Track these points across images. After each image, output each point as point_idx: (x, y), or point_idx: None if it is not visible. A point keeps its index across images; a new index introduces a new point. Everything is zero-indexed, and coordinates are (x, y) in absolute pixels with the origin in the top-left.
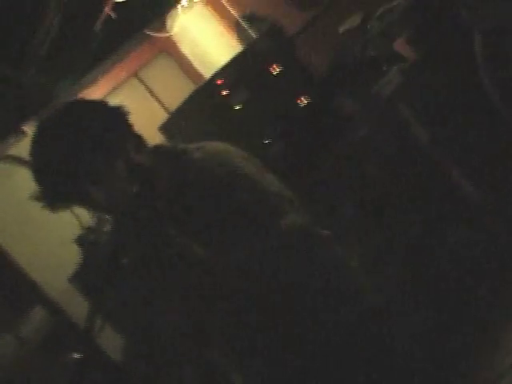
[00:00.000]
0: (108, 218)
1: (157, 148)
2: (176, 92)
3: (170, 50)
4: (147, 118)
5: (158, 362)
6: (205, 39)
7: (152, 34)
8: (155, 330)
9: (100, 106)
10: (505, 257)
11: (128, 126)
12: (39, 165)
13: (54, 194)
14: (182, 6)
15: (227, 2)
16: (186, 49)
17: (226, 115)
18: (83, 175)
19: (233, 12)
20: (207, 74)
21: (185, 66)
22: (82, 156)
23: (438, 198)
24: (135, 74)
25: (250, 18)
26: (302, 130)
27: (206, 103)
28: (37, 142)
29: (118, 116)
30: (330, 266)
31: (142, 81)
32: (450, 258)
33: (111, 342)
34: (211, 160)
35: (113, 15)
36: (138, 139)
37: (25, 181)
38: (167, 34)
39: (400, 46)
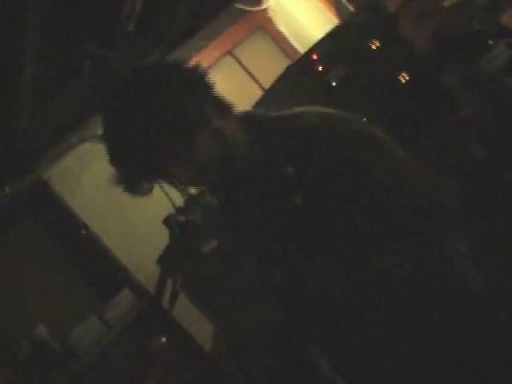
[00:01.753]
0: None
1: (246, 115)
2: (272, 69)
3: (265, 26)
4: (242, 96)
5: (244, 351)
6: (301, 14)
7: (246, 8)
8: (245, 319)
9: (174, 71)
10: None
11: (209, 88)
12: (115, 146)
13: (133, 179)
14: None
15: None
16: (281, 24)
17: (322, 91)
18: (164, 155)
19: None
20: (304, 50)
21: (280, 43)
22: (162, 133)
23: None
24: (230, 52)
25: None
26: (403, 107)
27: (302, 79)
28: (109, 119)
29: (197, 78)
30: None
31: (236, 58)
32: None
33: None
34: (335, 129)
35: None
36: (222, 104)
37: None
38: (262, 7)
39: (507, 19)
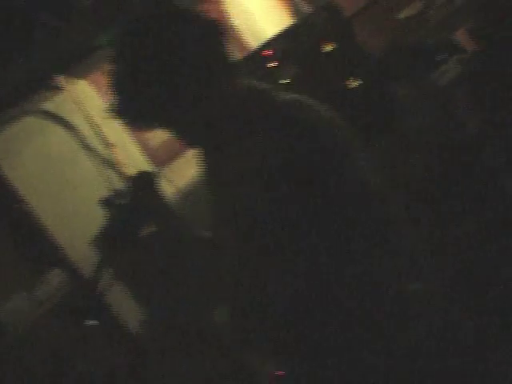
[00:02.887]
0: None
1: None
2: None
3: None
4: None
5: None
6: (255, 9)
7: None
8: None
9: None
10: None
11: (225, 44)
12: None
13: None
14: None
15: None
16: (234, 17)
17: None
18: (171, 99)
19: None
20: (255, 45)
21: (234, 38)
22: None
23: (489, 197)
24: None
25: None
26: (350, 112)
27: (252, 74)
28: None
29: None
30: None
31: None
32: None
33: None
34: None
35: None
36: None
37: (58, 138)
38: None
39: (461, 36)
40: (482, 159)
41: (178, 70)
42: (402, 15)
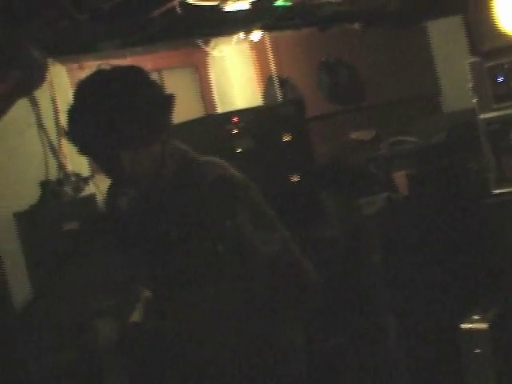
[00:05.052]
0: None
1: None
2: (187, 105)
3: (199, 66)
4: None
5: None
6: (234, 75)
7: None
8: None
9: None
10: None
11: (171, 114)
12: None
13: (84, 145)
14: (238, 38)
15: (273, 59)
16: (213, 72)
17: (226, 151)
18: (119, 139)
19: (272, 68)
20: (220, 105)
21: (203, 87)
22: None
23: None
24: (158, 70)
25: (283, 82)
26: (284, 204)
27: (214, 130)
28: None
29: (169, 101)
30: None
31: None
32: None
33: None
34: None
35: None
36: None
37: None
38: (207, 48)
39: (398, 177)
40: None
41: (121, 121)
42: (353, 136)
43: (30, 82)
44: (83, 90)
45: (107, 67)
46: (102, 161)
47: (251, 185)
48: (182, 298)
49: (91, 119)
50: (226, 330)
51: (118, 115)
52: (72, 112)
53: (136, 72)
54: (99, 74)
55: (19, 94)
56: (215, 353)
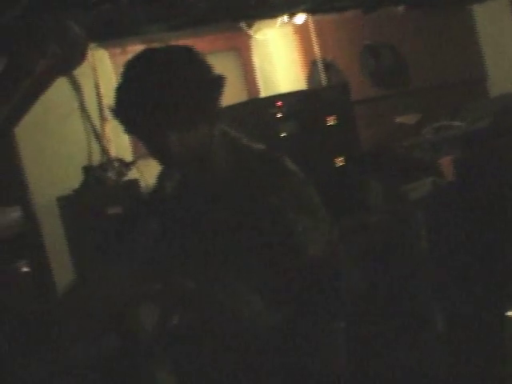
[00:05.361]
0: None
1: (229, 134)
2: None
3: (242, 50)
4: None
5: None
6: (279, 60)
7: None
8: None
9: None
10: None
11: (219, 96)
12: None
13: (131, 123)
14: (281, 21)
15: (316, 42)
16: (256, 56)
17: (270, 135)
18: (166, 118)
19: (316, 51)
20: (264, 89)
21: (247, 72)
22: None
23: None
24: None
25: (328, 65)
26: (327, 188)
27: (258, 114)
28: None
29: (218, 82)
30: None
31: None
32: None
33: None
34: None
35: None
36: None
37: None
38: (250, 32)
39: (444, 162)
40: None
41: (169, 99)
42: (398, 119)
43: (69, 59)
44: (131, 68)
45: (156, 46)
46: (148, 140)
47: (303, 176)
48: (223, 285)
49: (138, 97)
50: (268, 318)
51: (165, 93)
52: (120, 90)
53: (185, 51)
54: (148, 52)
55: (59, 72)
56: (257, 341)
